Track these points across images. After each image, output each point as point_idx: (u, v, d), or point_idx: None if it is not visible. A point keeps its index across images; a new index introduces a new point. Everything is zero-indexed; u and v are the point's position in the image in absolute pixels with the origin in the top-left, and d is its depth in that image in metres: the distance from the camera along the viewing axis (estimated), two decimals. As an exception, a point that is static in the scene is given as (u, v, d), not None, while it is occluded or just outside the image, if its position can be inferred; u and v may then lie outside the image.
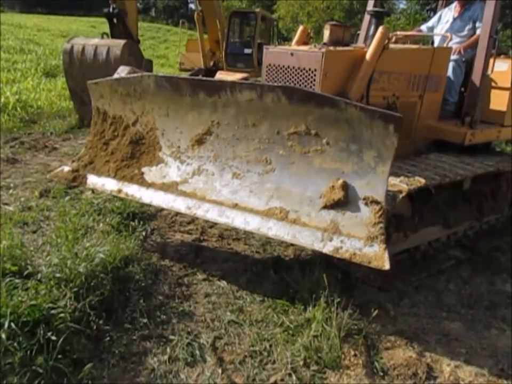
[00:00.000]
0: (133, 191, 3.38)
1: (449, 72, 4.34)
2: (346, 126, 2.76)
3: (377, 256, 2.56)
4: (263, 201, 3.01)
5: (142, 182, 3.41)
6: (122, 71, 4.02)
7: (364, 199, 2.71)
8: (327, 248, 2.69)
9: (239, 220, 2.98)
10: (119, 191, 3.41)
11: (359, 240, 2.64)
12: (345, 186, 2.79)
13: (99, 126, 3.73)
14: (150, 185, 3.37)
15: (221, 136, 3.27)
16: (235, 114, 3.18)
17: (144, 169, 3.47)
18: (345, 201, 2.76)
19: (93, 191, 3.86)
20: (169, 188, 3.31)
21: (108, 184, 3.48)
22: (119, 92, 3.58)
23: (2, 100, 8.07)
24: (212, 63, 11.52)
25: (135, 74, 3.56)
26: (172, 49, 26.79)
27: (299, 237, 2.79)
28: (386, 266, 2.49)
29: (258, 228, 2.91)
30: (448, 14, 4.75)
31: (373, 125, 2.64)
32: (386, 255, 2.52)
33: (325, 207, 2.81)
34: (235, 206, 3.04)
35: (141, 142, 3.55)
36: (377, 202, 2.67)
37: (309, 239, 2.77)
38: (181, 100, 3.32)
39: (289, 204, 2.94)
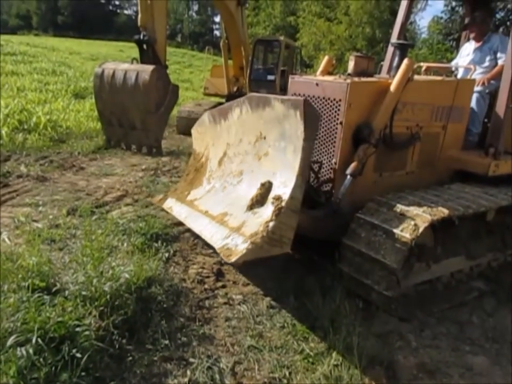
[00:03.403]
0: (175, 207, 3.91)
1: (473, 103, 4.37)
2: (277, 123, 2.82)
3: (236, 251, 2.58)
4: (220, 208, 3.24)
5: (182, 200, 3.84)
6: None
7: (274, 197, 2.72)
8: (217, 245, 2.81)
9: (195, 223, 3.36)
10: (170, 208, 3.96)
11: (243, 238, 2.67)
12: (268, 187, 2.84)
13: (190, 161, 4.41)
14: (183, 202, 3.80)
15: (229, 155, 3.57)
16: (235, 133, 3.49)
17: (191, 191, 3.90)
18: (262, 201, 2.82)
19: (163, 209, 4.34)
20: (189, 203, 3.71)
21: (169, 203, 4.06)
22: (199, 131, 4.23)
23: (34, 119, 8.40)
24: (235, 89, 11.75)
25: (204, 115, 4.14)
26: (196, 73, 27.48)
27: (213, 236, 2.96)
28: (231, 260, 2.55)
29: (200, 230, 3.21)
30: (468, 48, 4.84)
31: (289, 115, 2.66)
32: (243, 252, 2.53)
33: (247, 208, 2.91)
34: (204, 213, 3.36)
35: (200, 170, 4.01)
36: (279, 199, 2.65)
37: (215, 237, 2.91)
38: (216, 128, 3.63)
39: (233, 208, 3.10)
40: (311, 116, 2.62)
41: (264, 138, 3.06)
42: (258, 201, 2.87)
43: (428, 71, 4.79)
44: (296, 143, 2.65)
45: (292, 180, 2.64)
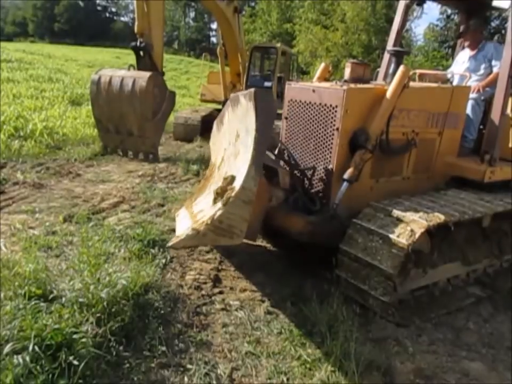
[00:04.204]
0: (180, 214, 3.84)
1: (468, 110, 4.41)
2: (244, 119, 2.84)
3: (181, 236, 2.69)
4: (201, 207, 3.32)
5: (187, 207, 3.82)
6: None
7: (229, 188, 2.77)
8: (176, 235, 2.95)
9: (179, 224, 3.44)
10: (178, 215, 3.89)
11: (191, 228, 2.75)
12: (230, 181, 2.87)
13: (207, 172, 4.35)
14: (187, 208, 3.77)
15: (224, 159, 3.59)
16: (228, 136, 3.51)
17: (197, 198, 3.88)
18: (222, 194, 2.84)
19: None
20: (189, 208, 3.68)
21: (179, 211, 3.99)
22: (212, 142, 4.14)
23: (30, 126, 8.39)
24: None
25: (214, 125, 4.09)
26: (192, 80, 27.57)
27: (181, 231, 3.06)
28: (168, 244, 2.76)
29: (178, 229, 3.31)
30: (463, 56, 4.90)
31: (248, 108, 2.66)
32: (181, 238, 2.66)
33: (212, 202, 2.98)
34: (190, 214, 3.43)
35: (208, 178, 4.00)
36: (232, 190, 2.68)
37: (180, 231, 3.05)
38: (219, 136, 3.67)
39: (207, 205, 3.17)
40: (264, 106, 2.59)
41: (239, 136, 3.09)
42: (219, 194, 2.89)
43: (422, 77, 4.83)
44: (251, 133, 2.63)
45: (244, 169, 2.62)
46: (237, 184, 2.70)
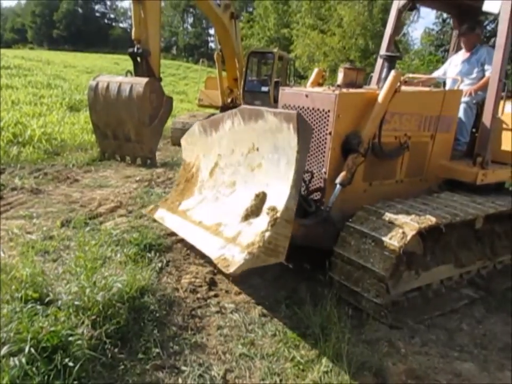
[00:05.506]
0: (166, 217, 3.90)
1: (461, 114, 4.46)
2: (270, 135, 2.90)
3: (234, 261, 2.65)
4: (214, 218, 3.31)
5: (174, 211, 3.85)
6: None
7: (269, 208, 2.79)
8: (214, 255, 2.87)
9: (189, 234, 3.43)
10: (162, 218, 3.94)
11: (240, 248, 2.73)
12: (262, 198, 2.92)
13: (181, 172, 4.38)
14: (174, 213, 3.82)
15: (221, 166, 3.63)
16: (227, 144, 3.55)
17: (182, 202, 3.92)
18: (257, 212, 2.89)
19: (155, 220, 4.38)
20: (182, 214, 3.73)
21: (160, 213, 4.05)
22: (189, 142, 4.21)
23: (29, 132, 8.46)
24: (229, 100, 11.87)
25: (194, 126, 4.12)
26: (191, 85, 27.67)
27: (207, 245, 3.04)
28: (230, 270, 2.63)
29: (195, 241, 3.29)
30: (456, 59, 4.96)
31: (282, 128, 2.74)
32: (241, 262, 2.61)
33: (243, 218, 2.97)
34: (198, 224, 3.42)
35: (191, 180, 4.02)
36: (274, 210, 2.72)
37: (210, 247, 2.99)
38: (207, 139, 3.67)
39: (227, 219, 3.16)
40: (304, 128, 2.71)
41: (257, 149, 3.13)
42: (253, 211, 2.92)
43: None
44: (290, 155, 2.72)
45: (286, 191, 2.70)
46: (276, 203, 2.75)
